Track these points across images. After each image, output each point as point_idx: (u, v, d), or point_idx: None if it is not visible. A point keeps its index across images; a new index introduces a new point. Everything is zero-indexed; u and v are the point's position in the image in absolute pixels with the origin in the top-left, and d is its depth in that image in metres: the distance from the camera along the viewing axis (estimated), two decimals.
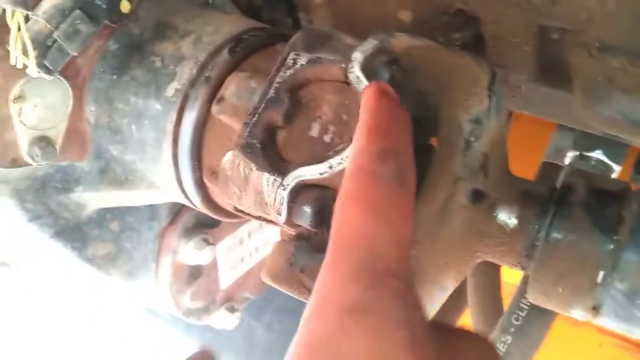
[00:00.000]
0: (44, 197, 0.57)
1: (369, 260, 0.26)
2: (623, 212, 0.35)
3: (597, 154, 0.65)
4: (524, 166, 0.48)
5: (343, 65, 0.39)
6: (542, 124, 0.98)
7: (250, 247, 0.77)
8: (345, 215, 0.27)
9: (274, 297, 1.30)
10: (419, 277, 0.40)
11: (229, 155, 0.40)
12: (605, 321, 0.37)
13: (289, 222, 0.39)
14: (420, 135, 0.47)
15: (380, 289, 0.25)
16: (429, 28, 0.52)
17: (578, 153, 0.66)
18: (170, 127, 0.47)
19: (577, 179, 0.38)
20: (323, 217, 0.38)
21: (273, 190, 0.39)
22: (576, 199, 0.37)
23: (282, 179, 0.38)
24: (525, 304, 0.55)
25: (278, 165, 0.39)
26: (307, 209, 0.37)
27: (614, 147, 0.65)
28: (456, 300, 0.84)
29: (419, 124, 0.47)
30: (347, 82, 0.39)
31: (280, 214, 0.39)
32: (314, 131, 0.40)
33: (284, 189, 0.38)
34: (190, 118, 0.47)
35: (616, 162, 0.65)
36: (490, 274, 0.77)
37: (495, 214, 0.40)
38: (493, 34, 0.49)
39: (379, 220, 0.27)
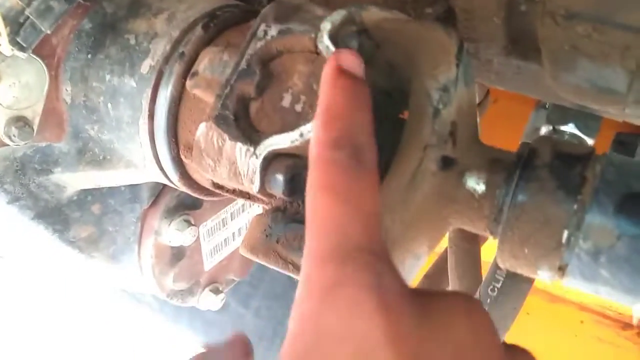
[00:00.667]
0: (23, 179, 0.57)
1: (340, 241, 0.27)
2: (586, 173, 0.36)
3: (570, 128, 0.66)
4: (504, 147, 0.49)
5: (313, 35, 0.39)
6: (521, 105, 1.00)
7: (233, 229, 0.78)
8: (314, 205, 0.29)
9: (261, 283, 1.31)
10: (391, 245, 0.40)
11: (202, 128, 0.41)
12: (571, 281, 0.38)
13: (262, 191, 0.40)
14: (392, 108, 0.48)
15: (352, 264, 0.26)
16: (401, 3, 0.52)
17: (551, 127, 0.67)
18: (145, 104, 0.48)
19: (543, 144, 0.39)
20: (295, 185, 0.38)
21: (246, 160, 0.39)
22: (541, 162, 0.37)
23: (255, 149, 0.39)
24: (500, 275, 0.56)
25: (251, 135, 0.40)
26: (279, 177, 0.38)
27: (586, 121, 0.66)
28: (439, 278, 0.85)
29: (390, 97, 0.48)
30: (317, 52, 0.40)
31: (254, 183, 0.39)
32: (286, 101, 0.40)
33: (256, 158, 0.39)
34: (165, 94, 0.47)
35: (589, 136, 0.66)
36: (470, 251, 0.78)
37: (464, 181, 0.40)
38: (464, 8, 0.50)
39: (344, 204, 0.28)
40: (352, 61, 0.33)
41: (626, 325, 1.07)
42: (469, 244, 0.77)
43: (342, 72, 0.32)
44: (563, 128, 0.66)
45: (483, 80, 0.58)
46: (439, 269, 0.88)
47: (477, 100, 0.81)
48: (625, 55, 0.42)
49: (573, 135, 0.66)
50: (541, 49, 0.47)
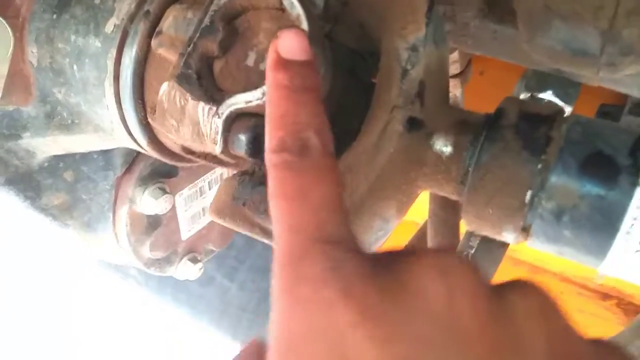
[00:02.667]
0: None
1: (294, 240, 0.27)
2: (552, 133, 0.36)
3: (548, 95, 0.65)
4: None
5: None
6: (508, 77, 0.99)
7: (211, 198, 0.77)
8: (272, 212, 0.29)
9: (246, 257, 1.31)
10: (357, 207, 0.40)
11: (164, 87, 0.40)
12: (535, 243, 0.38)
13: (225, 151, 0.39)
14: (364, 71, 0.47)
15: (306, 260, 0.26)
16: None
17: (529, 95, 0.66)
18: (110, 64, 0.47)
19: (510, 104, 0.38)
20: (258, 145, 0.37)
21: (209, 120, 0.38)
22: (507, 122, 0.37)
23: (217, 108, 0.38)
24: (473, 242, 0.56)
25: (214, 94, 0.39)
26: (242, 137, 0.37)
27: (564, 87, 0.65)
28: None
29: (363, 59, 0.47)
30: (282, 9, 0.38)
31: (216, 144, 0.39)
32: (250, 60, 0.39)
33: (219, 118, 0.38)
34: (130, 54, 0.46)
35: (568, 103, 0.66)
36: (448, 221, 0.77)
37: (432, 143, 0.40)
38: None
39: (292, 203, 0.28)
40: (292, 45, 0.32)
41: (606, 295, 1.08)
42: (448, 214, 0.76)
43: (280, 65, 0.31)
44: (541, 95, 0.66)
45: (460, 45, 0.57)
46: (419, 240, 0.88)
47: (459, 69, 0.80)
48: (598, 15, 0.41)
49: (551, 102, 0.66)
50: (515, 11, 0.46)
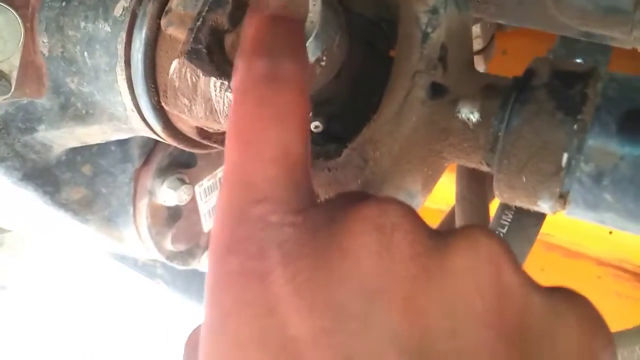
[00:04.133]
0: (8, 138, 0.56)
1: (237, 196, 0.25)
2: (587, 91, 0.33)
3: None
4: None
5: None
6: (531, 55, 0.96)
7: None
8: (225, 154, 0.26)
9: None
10: (380, 180, 0.38)
11: (175, 65, 0.39)
12: (574, 211, 0.35)
13: None
14: (381, 41, 0.45)
15: (245, 223, 0.24)
16: None
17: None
18: (121, 48, 0.45)
19: (541, 64, 0.36)
20: None
21: (221, 95, 0.37)
22: (539, 82, 0.34)
23: (230, 82, 0.36)
24: (506, 220, 0.53)
25: (226, 69, 0.37)
26: None
27: (594, 55, 0.62)
28: None
29: (381, 30, 0.45)
30: None
31: None
32: None
33: (231, 92, 0.36)
34: (140, 37, 0.44)
35: None
36: (478, 204, 0.75)
37: (457, 110, 0.38)
38: None
39: (244, 144, 0.25)
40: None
41: None
42: (476, 196, 0.74)
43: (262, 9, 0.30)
44: None
45: (483, 14, 0.55)
46: (448, 224, 0.85)
47: (482, 46, 0.77)
48: None
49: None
50: None
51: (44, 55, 0.51)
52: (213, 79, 0.37)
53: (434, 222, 0.92)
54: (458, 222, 0.77)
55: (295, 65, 0.27)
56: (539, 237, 0.59)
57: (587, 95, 0.33)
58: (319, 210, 0.25)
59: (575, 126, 0.33)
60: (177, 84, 0.39)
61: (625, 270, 1.06)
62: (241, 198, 0.25)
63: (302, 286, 0.22)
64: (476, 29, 0.71)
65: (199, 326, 0.31)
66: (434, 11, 0.37)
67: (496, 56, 0.89)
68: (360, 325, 0.21)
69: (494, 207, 0.79)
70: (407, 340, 0.20)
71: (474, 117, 0.37)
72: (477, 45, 0.74)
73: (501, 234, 0.54)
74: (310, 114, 0.41)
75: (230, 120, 0.26)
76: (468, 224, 0.76)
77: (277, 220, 0.24)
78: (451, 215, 0.84)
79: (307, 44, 0.33)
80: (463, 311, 0.21)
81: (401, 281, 0.22)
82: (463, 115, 0.37)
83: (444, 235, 0.24)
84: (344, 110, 0.43)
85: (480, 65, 0.76)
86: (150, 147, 0.64)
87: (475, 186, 0.73)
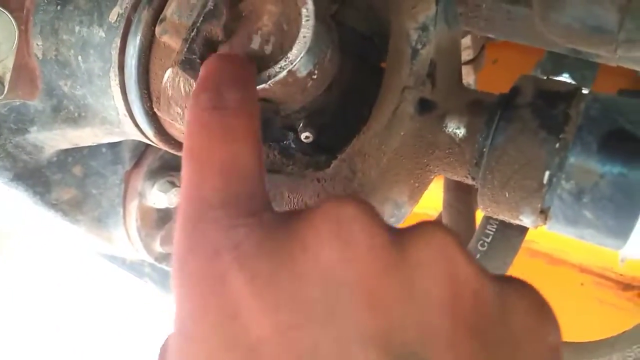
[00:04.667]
0: (0, 139, 0.56)
1: (192, 205, 0.26)
2: (570, 111, 0.34)
3: (565, 78, 0.64)
4: None
5: None
6: (521, 65, 0.97)
7: None
8: (182, 173, 0.27)
9: None
10: (369, 192, 0.39)
11: (168, 73, 0.39)
12: (555, 226, 0.36)
13: None
14: (372, 54, 0.46)
15: (200, 227, 0.25)
16: None
17: (545, 78, 0.64)
18: (115, 54, 0.46)
19: (525, 83, 0.37)
20: (264, 129, 0.36)
21: None
22: (523, 101, 0.35)
23: None
24: (490, 230, 0.54)
25: None
26: None
27: (581, 70, 0.63)
28: None
29: (372, 43, 0.46)
30: None
31: None
32: (255, 43, 0.38)
33: None
34: (134, 43, 0.45)
35: (584, 85, 0.64)
36: (464, 212, 0.76)
37: (444, 125, 0.39)
38: None
39: (195, 162, 0.27)
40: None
41: (627, 286, 1.05)
42: (463, 204, 0.75)
43: (214, 55, 0.33)
44: (558, 78, 0.64)
45: (473, 27, 0.56)
46: None
47: (472, 56, 0.78)
48: None
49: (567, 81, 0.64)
50: None
51: (38, 57, 0.51)
52: None
53: None
54: None
55: (238, 94, 0.29)
56: (523, 244, 0.60)
57: (569, 115, 0.34)
58: (274, 212, 0.26)
59: (557, 145, 0.34)
60: (170, 92, 0.40)
61: (608, 278, 1.07)
62: (195, 208, 0.25)
63: (261, 287, 0.22)
64: (466, 40, 0.72)
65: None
66: (424, 28, 0.38)
67: (486, 66, 0.91)
68: (324, 318, 0.21)
69: (480, 215, 0.80)
70: (371, 330, 0.21)
71: (461, 132, 0.38)
72: (468, 55, 0.75)
73: (485, 244, 0.55)
74: (302, 124, 0.42)
75: (184, 148, 0.28)
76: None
77: (228, 223, 0.24)
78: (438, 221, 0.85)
79: (299, 58, 0.34)
80: (422, 301, 0.22)
81: (362, 274, 0.22)
82: (450, 130, 0.38)
83: (401, 230, 0.25)
84: (334, 121, 0.44)
85: (470, 75, 0.78)
86: (141, 150, 0.65)
87: (462, 195, 0.74)
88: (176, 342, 0.24)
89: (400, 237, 0.24)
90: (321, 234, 0.23)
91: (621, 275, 1.05)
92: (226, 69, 0.30)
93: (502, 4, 0.51)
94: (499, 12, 0.52)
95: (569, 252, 1.08)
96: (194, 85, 0.38)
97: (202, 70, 0.31)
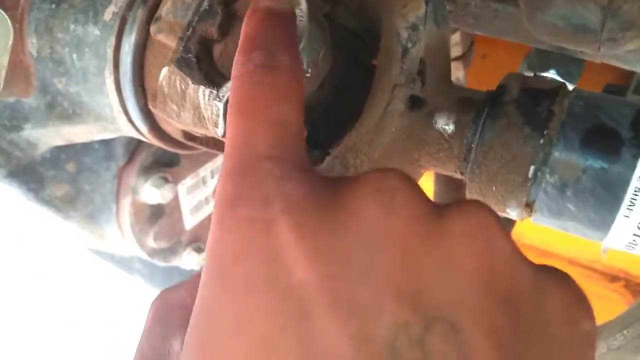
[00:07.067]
0: None
1: (243, 156, 0.26)
2: (554, 108, 0.35)
3: (551, 74, 0.65)
4: None
5: None
6: (510, 61, 0.98)
7: (213, 187, 0.77)
8: (227, 127, 0.28)
9: None
10: None
11: (164, 72, 0.40)
12: (540, 218, 0.37)
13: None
14: (364, 53, 0.47)
15: (250, 176, 0.25)
16: None
17: (532, 74, 0.66)
18: (110, 52, 0.47)
19: (512, 80, 0.38)
20: None
21: (210, 103, 0.38)
22: (509, 98, 0.37)
23: (218, 91, 0.38)
24: None
25: (214, 78, 0.39)
26: None
27: (567, 66, 0.65)
28: None
29: (363, 41, 0.47)
30: None
31: (217, 127, 0.39)
32: None
33: (219, 101, 0.38)
34: (129, 41, 0.46)
35: (570, 82, 0.65)
36: (453, 195, 0.77)
37: (434, 121, 0.40)
38: None
39: (248, 118, 0.27)
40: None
41: (614, 277, 1.07)
42: (452, 195, 0.76)
43: (258, 6, 0.32)
44: (544, 74, 0.65)
45: (461, 25, 0.57)
46: None
47: (461, 52, 0.79)
48: None
49: (554, 78, 0.65)
50: None
51: (33, 55, 0.52)
52: (202, 87, 0.38)
53: None
54: None
55: (289, 55, 0.30)
56: (512, 237, 0.61)
57: (553, 112, 0.35)
58: (320, 173, 0.27)
59: (541, 140, 0.35)
60: (166, 90, 0.40)
61: (595, 270, 1.10)
62: (244, 157, 0.26)
63: (307, 236, 0.23)
64: (456, 37, 0.73)
65: (170, 288, 0.32)
66: (414, 27, 0.39)
67: (475, 60, 0.92)
68: (362, 272, 0.22)
69: None
70: (405, 288, 0.22)
71: (449, 128, 0.39)
72: (457, 51, 0.76)
73: None
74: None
75: (231, 103, 0.28)
76: None
77: (280, 174, 0.25)
78: None
79: None
80: (456, 268, 0.23)
81: (401, 237, 0.23)
82: (439, 126, 0.40)
83: (442, 204, 0.25)
84: (327, 118, 0.45)
85: (460, 71, 0.79)
86: (135, 146, 0.65)
87: (451, 186, 0.75)
88: (213, 282, 0.24)
89: (440, 210, 0.24)
90: (364, 197, 0.24)
91: (608, 267, 1.07)
92: (273, 27, 0.31)
93: (489, 3, 0.52)
94: (486, 10, 0.53)
95: (558, 246, 1.09)
96: (191, 81, 0.39)
97: (247, 28, 0.31)
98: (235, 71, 0.29)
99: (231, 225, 0.24)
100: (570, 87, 0.69)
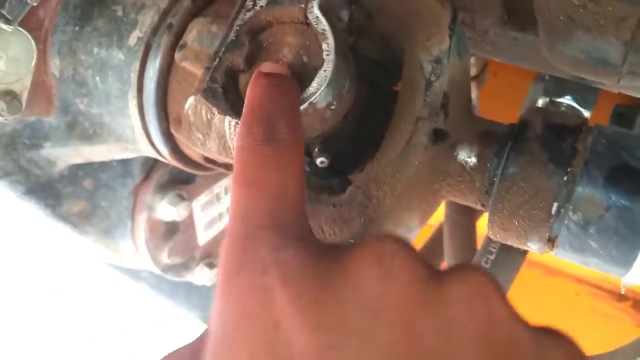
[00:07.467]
0: (14, 154, 0.57)
1: (242, 226, 0.27)
2: (577, 145, 0.36)
3: (567, 100, 0.66)
4: (504, 120, 0.48)
5: (302, 5, 0.38)
6: (521, 78, 0.99)
7: (227, 203, 0.77)
8: (231, 197, 0.29)
9: None
10: (382, 218, 0.40)
11: (191, 101, 0.40)
12: (561, 253, 0.38)
13: None
14: (385, 80, 0.47)
15: (250, 246, 0.26)
16: None
17: (548, 99, 0.66)
18: (134, 76, 0.47)
19: (535, 115, 0.38)
20: None
21: (235, 133, 0.39)
22: (533, 134, 0.37)
23: None
24: (493, 248, 0.56)
25: (240, 108, 0.39)
26: None
27: (583, 93, 0.65)
28: (435, 251, 0.86)
29: (384, 69, 0.47)
30: (307, 23, 0.39)
31: None
32: None
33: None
34: (153, 67, 0.46)
35: (586, 108, 0.66)
36: (465, 224, 0.78)
37: (456, 153, 0.40)
38: None
39: (249, 187, 0.28)
40: (273, 68, 0.35)
41: (621, 297, 1.07)
42: (465, 217, 0.77)
43: (261, 73, 0.34)
44: (560, 100, 0.66)
45: (479, 51, 0.57)
46: (435, 242, 0.88)
47: (475, 73, 0.80)
48: (621, 26, 0.41)
49: (569, 107, 0.66)
50: (537, 19, 0.46)
51: (55, 76, 0.53)
52: (227, 117, 0.38)
53: (422, 237, 0.94)
54: (445, 240, 0.80)
55: (290, 127, 0.31)
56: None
57: (577, 149, 0.36)
58: (319, 241, 0.28)
59: (565, 177, 0.35)
60: (192, 119, 0.41)
61: (602, 289, 1.10)
62: (245, 226, 0.27)
63: (305, 305, 0.23)
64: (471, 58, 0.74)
65: (172, 353, 0.32)
66: (437, 61, 0.40)
67: (487, 78, 0.92)
68: (363, 342, 0.22)
69: (480, 225, 0.82)
70: (405, 358, 0.22)
71: (471, 161, 0.40)
72: (471, 72, 0.76)
73: (489, 261, 0.57)
74: (317, 150, 0.43)
75: (235, 170, 0.30)
76: (455, 241, 0.79)
77: (278, 243, 0.26)
78: (439, 232, 0.87)
79: (320, 91, 0.36)
80: (456, 335, 0.23)
81: (401, 304, 0.23)
82: (461, 159, 0.40)
83: (440, 270, 0.26)
84: (348, 146, 0.45)
85: (473, 91, 0.79)
86: (151, 164, 0.66)
87: (463, 208, 0.76)
88: (216, 349, 0.25)
89: (438, 275, 0.25)
90: (363, 265, 0.24)
91: (615, 286, 1.07)
92: (275, 96, 0.32)
93: (509, 31, 0.52)
94: (505, 38, 0.54)
95: (566, 264, 1.09)
96: (217, 111, 0.39)
97: (251, 94, 0.33)
98: (238, 142, 0.30)
99: (232, 294, 0.25)
100: (586, 113, 0.69)
